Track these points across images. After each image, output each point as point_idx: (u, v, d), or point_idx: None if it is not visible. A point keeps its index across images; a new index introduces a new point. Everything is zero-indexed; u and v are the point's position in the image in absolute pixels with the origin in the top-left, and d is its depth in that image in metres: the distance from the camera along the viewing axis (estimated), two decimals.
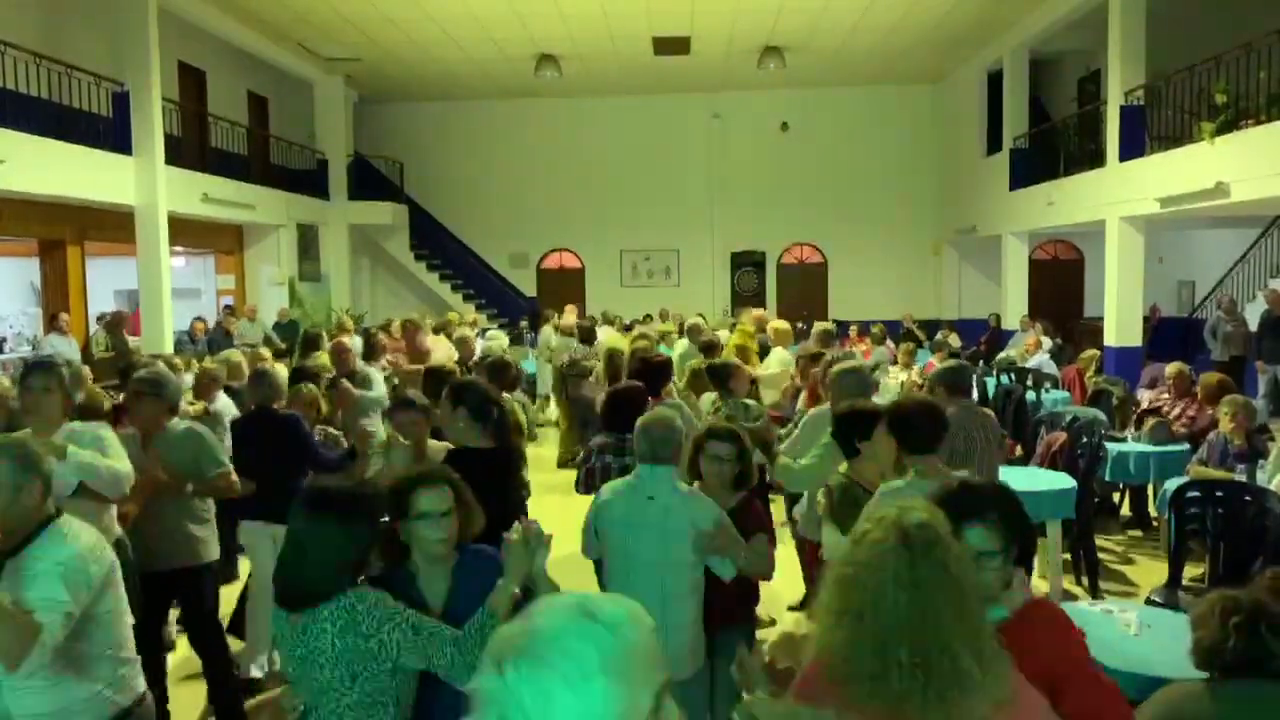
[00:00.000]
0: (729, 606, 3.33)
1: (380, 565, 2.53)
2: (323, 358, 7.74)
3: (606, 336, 10.60)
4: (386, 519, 2.50)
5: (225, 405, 6.20)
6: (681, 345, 9.15)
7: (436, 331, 10.42)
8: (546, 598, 1.25)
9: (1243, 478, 5.48)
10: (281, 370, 6.44)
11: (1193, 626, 2.30)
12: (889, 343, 12.11)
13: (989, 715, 1.64)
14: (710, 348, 7.97)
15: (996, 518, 2.08)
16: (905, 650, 1.65)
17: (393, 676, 2.29)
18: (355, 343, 8.63)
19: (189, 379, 9.36)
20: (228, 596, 5.40)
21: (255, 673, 4.85)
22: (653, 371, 5.43)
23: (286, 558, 2.34)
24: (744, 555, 3.14)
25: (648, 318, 14.98)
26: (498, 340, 10.46)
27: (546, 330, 12.53)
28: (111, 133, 11.25)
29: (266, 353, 9.02)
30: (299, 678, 2.32)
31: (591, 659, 1.14)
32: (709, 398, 5.81)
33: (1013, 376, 10.50)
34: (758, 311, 10.75)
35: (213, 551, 4.30)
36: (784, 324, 8.91)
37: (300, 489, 4.86)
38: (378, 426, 6.40)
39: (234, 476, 4.26)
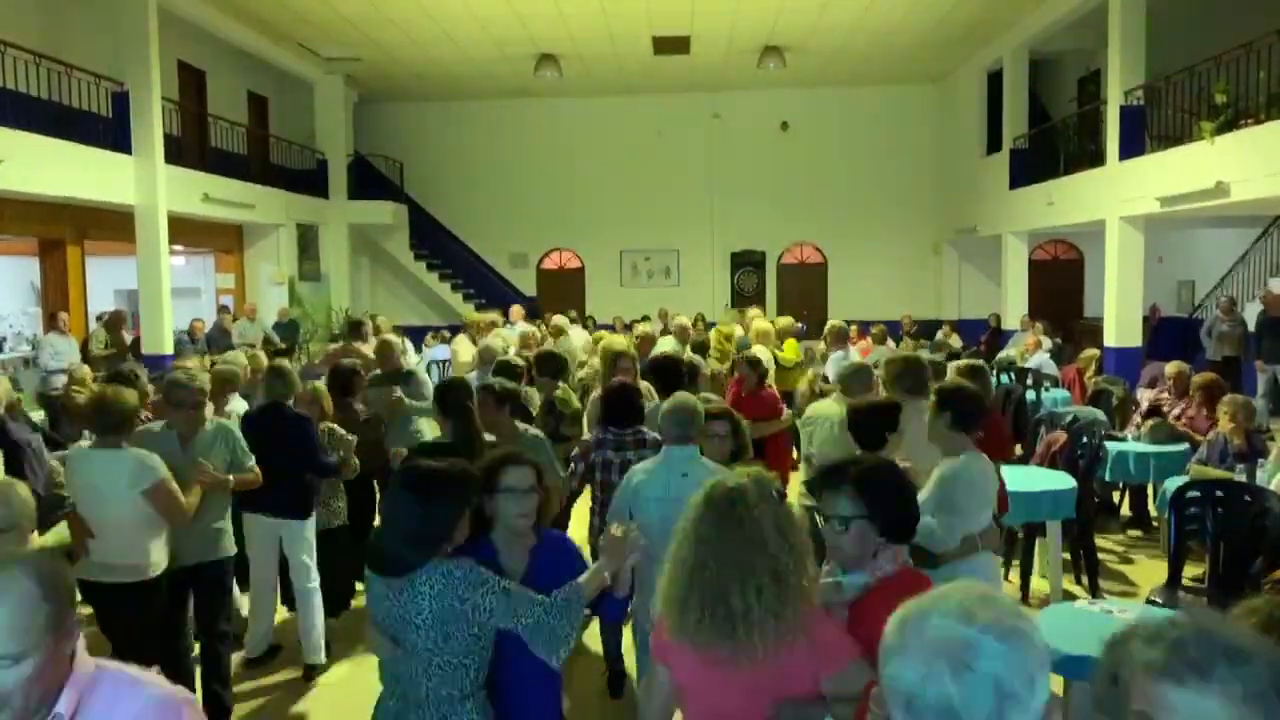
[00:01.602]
0: None
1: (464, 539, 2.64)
2: (365, 349, 7.76)
3: (578, 339, 10.62)
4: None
5: (238, 406, 6.16)
6: (666, 343, 9.10)
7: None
8: (965, 588, 1.31)
9: (1243, 478, 5.49)
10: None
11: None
12: (889, 342, 12.11)
13: (773, 651, 1.92)
14: (701, 348, 8.06)
15: (853, 487, 2.24)
16: (695, 595, 1.95)
17: (477, 641, 2.46)
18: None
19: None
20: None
21: (255, 653, 5.05)
22: (671, 372, 5.49)
23: (383, 529, 2.52)
24: None
25: (645, 318, 14.96)
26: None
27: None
28: (111, 132, 11.25)
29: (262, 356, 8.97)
30: (397, 636, 2.47)
31: (1039, 641, 1.24)
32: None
33: (1013, 376, 10.51)
34: (751, 312, 10.75)
35: (232, 545, 4.44)
36: (766, 324, 8.89)
37: (300, 487, 4.85)
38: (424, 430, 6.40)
39: (258, 469, 4.48)
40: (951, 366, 5.36)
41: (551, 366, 6.09)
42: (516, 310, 12.95)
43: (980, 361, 5.79)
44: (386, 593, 2.45)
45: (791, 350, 9.11)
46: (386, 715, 2.54)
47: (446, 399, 4.34)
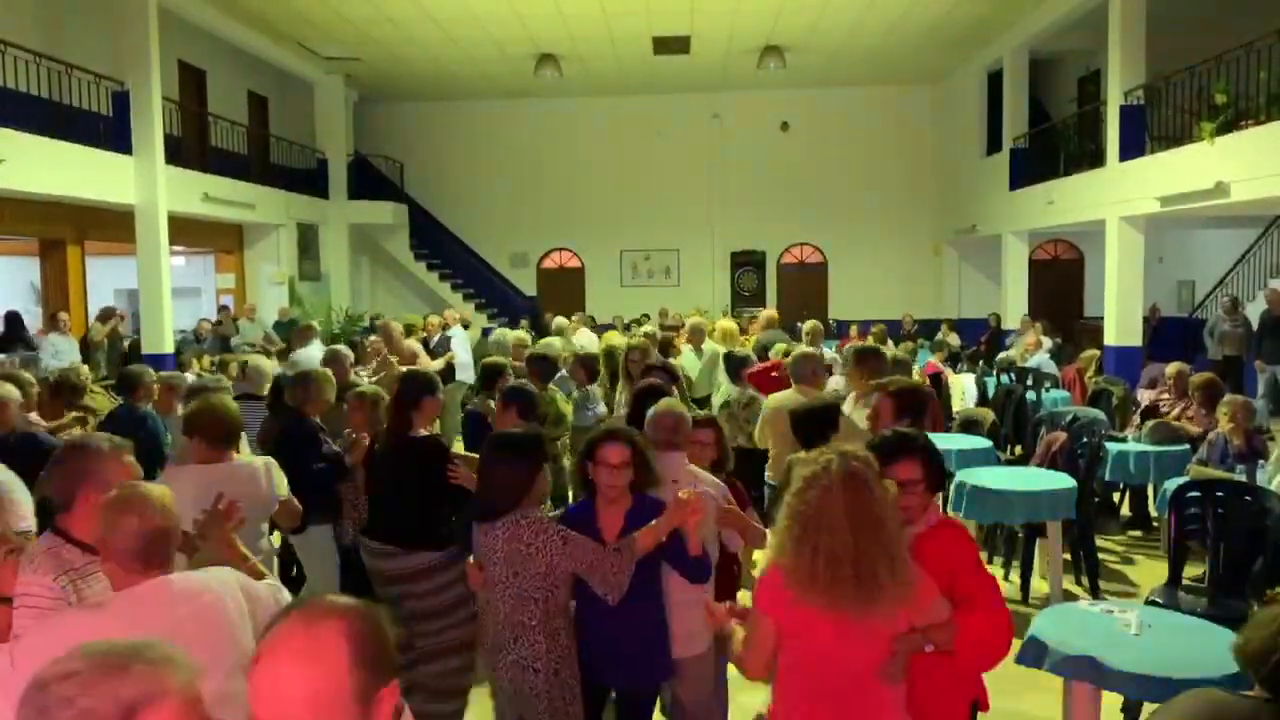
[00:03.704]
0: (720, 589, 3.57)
1: (582, 497, 3.32)
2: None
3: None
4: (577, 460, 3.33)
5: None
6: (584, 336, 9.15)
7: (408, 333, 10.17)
8: None
9: (1243, 478, 5.49)
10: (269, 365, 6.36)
11: (1248, 625, 2.22)
12: (889, 343, 12.10)
13: (896, 609, 2.33)
14: (665, 346, 8.24)
15: (920, 455, 2.73)
16: (833, 561, 2.27)
17: (545, 579, 2.99)
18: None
19: (192, 379, 9.31)
20: None
21: None
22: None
23: (478, 487, 3.17)
24: (749, 526, 3.57)
25: (645, 317, 14.96)
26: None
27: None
28: (111, 132, 11.25)
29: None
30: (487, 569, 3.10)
31: None
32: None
33: (1013, 376, 10.51)
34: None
35: None
36: (731, 324, 9.10)
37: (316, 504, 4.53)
38: None
39: None
40: (795, 353, 6.20)
41: (541, 368, 6.12)
42: (450, 314, 12.96)
43: (813, 350, 6.39)
44: (479, 536, 3.09)
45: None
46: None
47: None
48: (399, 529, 3.94)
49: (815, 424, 4.21)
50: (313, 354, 8.35)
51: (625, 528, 3.09)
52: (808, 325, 8.94)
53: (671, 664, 3.22)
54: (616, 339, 8.78)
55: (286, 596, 2.38)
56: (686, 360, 8.43)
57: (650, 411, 3.63)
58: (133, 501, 2.14)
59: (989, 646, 2.53)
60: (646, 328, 10.36)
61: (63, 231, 11.59)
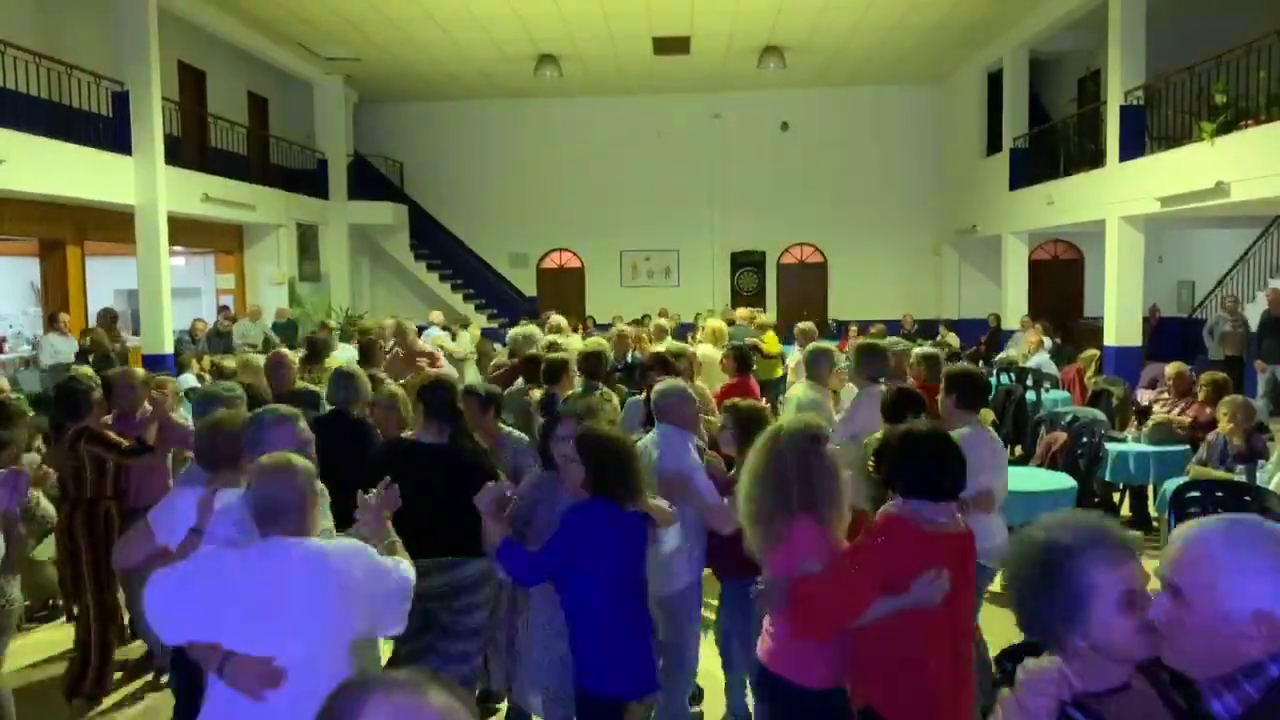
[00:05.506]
0: (738, 562, 3.62)
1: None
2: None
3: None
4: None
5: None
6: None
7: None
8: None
9: (1243, 478, 5.49)
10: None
11: None
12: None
13: (762, 550, 2.90)
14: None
15: (882, 448, 2.96)
16: (738, 499, 3.00)
17: None
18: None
19: (191, 379, 9.29)
20: None
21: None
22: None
23: None
24: (701, 502, 3.79)
25: (646, 318, 14.93)
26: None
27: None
28: (111, 133, 11.24)
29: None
30: None
31: None
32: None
33: (1013, 376, 10.51)
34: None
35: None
36: (719, 323, 9.23)
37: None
38: None
39: None
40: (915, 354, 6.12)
41: (591, 365, 5.97)
42: (435, 315, 12.96)
43: (935, 350, 6.26)
44: None
45: (771, 343, 10.36)
46: None
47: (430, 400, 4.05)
48: (451, 539, 3.69)
49: (900, 406, 4.48)
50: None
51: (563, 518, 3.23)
52: (801, 327, 9.07)
53: (657, 676, 3.27)
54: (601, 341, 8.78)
55: (409, 573, 2.63)
56: None
57: (655, 390, 4.02)
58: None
59: (810, 611, 2.79)
60: (621, 328, 10.35)
61: (63, 231, 11.59)
